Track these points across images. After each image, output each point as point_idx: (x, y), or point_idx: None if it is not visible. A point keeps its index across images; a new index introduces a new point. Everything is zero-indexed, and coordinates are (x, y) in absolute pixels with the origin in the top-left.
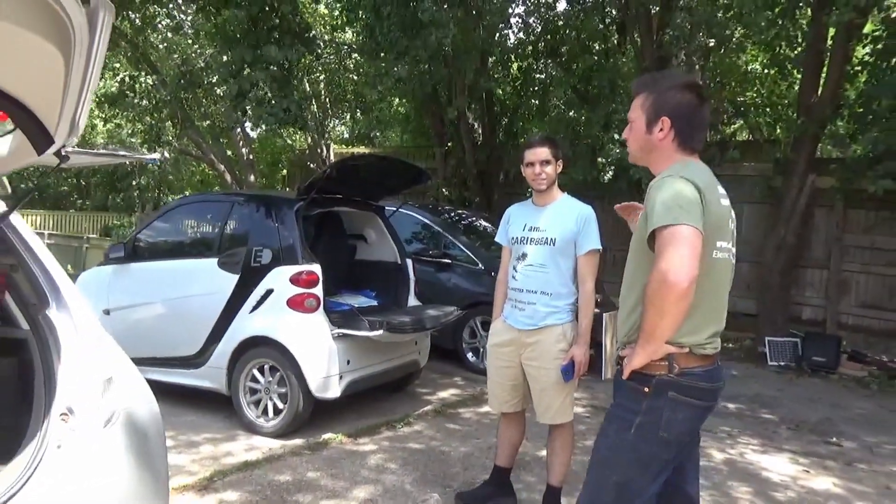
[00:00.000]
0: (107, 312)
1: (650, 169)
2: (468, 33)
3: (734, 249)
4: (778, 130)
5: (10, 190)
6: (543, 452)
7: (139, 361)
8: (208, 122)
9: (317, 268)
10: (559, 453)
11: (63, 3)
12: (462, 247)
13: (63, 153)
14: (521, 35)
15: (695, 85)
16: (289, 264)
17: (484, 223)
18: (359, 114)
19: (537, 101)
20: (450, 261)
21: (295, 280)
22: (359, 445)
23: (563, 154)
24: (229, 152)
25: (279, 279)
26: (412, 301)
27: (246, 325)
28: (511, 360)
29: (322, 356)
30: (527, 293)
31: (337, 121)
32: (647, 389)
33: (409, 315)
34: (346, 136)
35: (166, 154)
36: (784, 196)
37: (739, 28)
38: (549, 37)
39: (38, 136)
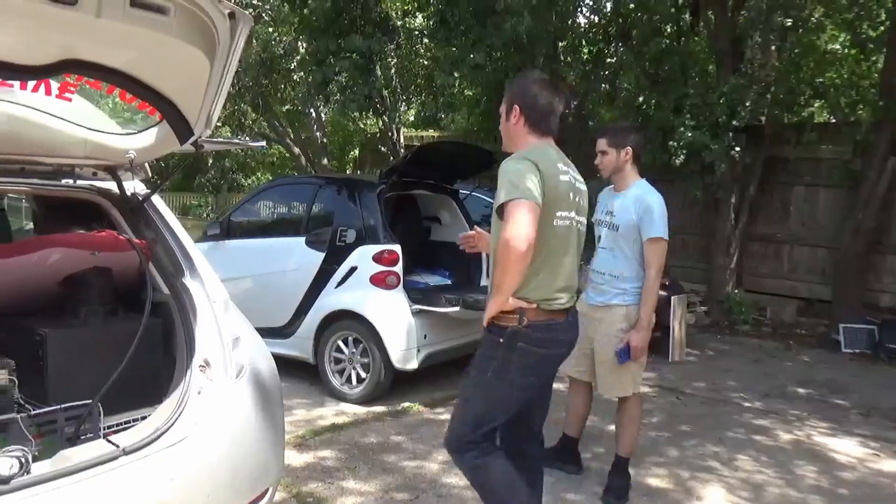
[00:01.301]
0: None
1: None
2: (541, 19)
3: (581, 219)
4: (859, 112)
5: (150, 174)
6: (613, 427)
7: None
8: (287, 106)
9: (397, 247)
10: (624, 425)
11: (215, 20)
12: None
13: (199, 143)
14: (592, 18)
15: (541, 79)
16: (371, 243)
17: None
18: (430, 98)
19: (607, 86)
20: None
21: (377, 258)
22: (436, 414)
23: (635, 140)
24: (304, 135)
25: (362, 257)
26: (484, 280)
27: (332, 299)
28: (584, 330)
29: (402, 330)
30: (597, 274)
31: (405, 105)
32: (501, 340)
33: (483, 293)
34: (412, 119)
35: (247, 138)
36: (863, 180)
37: (819, 7)
38: (619, 20)
39: (182, 128)
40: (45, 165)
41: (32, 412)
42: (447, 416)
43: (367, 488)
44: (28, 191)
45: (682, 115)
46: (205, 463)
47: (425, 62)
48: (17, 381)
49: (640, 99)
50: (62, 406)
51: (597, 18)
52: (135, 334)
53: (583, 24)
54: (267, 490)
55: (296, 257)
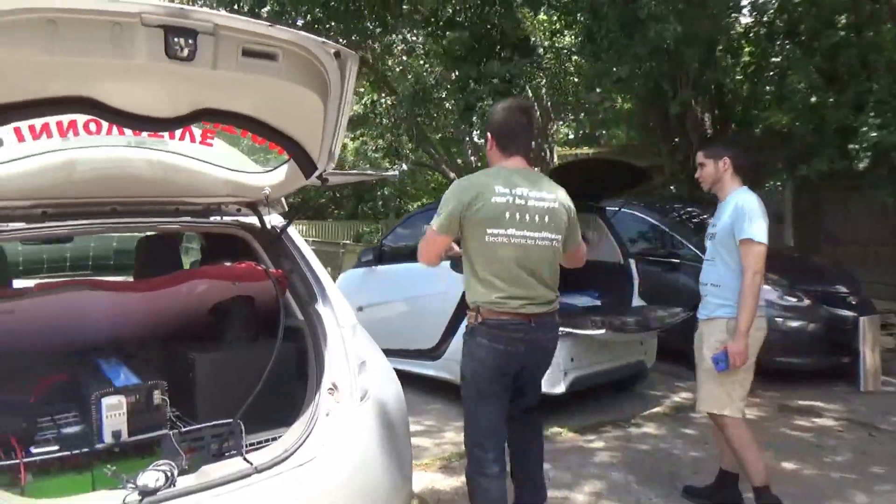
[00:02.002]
0: (360, 309)
1: None
2: (691, 24)
3: (533, 234)
4: None
5: (286, 207)
6: (784, 464)
7: (388, 353)
8: (440, 134)
9: None
10: (736, 452)
11: (323, 61)
12: (691, 246)
13: (323, 176)
14: (752, 19)
15: (508, 106)
16: None
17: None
18: (582, 115)
19: (773, 88)
20: (678, 260)
21: None
22: (586, 441)
23: (734, 151)
24: (459, 160)
25: None
26: (636, 301)
27: None
28: (698, 349)
29: None
30: (702, 286)
31: (560, 123)
32: (466, 338)
33: (633, 315)
34: (571, 137)
35: (404, 166)
36: None
37: None
38: (785, 16)
39: (306, 163)
40: (195, 205)
41: (183, 429)
42: (597, 444)
43: None
44: (182, 229)
45: (865, 114)
46: (331, 482)
47: (576, 79)
48: (168, 401)
49: (814, 99)
50: (209, 424)
51: (758, 16)
52: (290, 355)
53: (742, 25)
54: None
55: (443, 280)
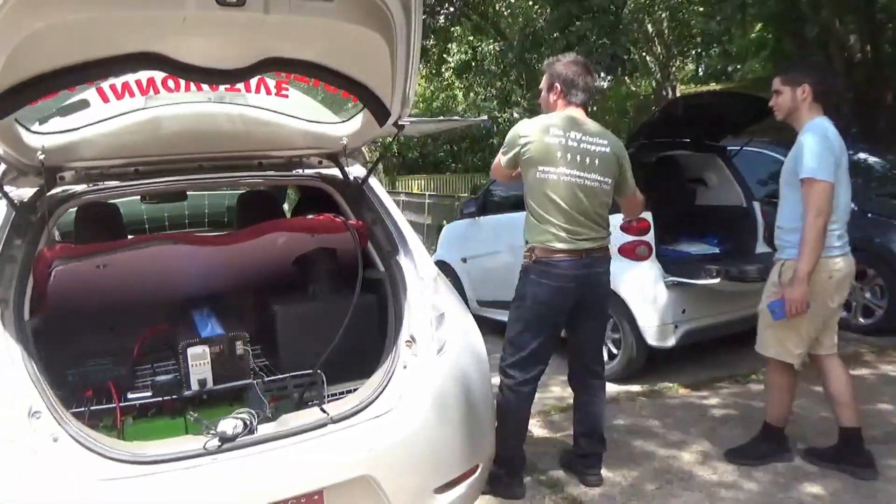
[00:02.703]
0: (464, 261)
1: None
2: None
3: (576, 172)
4: None
5: (368, 158)
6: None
7: (490, 304)
8: None
9: (648, 215)
10: (767, 390)
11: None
12: None
13: (399, 123)
14: None
15: (574, 60)
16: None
17: (865, 156)
18: (710, 49)
19: None
20: None
21: (626, 228)
22: (699, 398)
23: (816, 77)
24: None
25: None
26: (761, 248)
27: None
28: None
29: (655, 304)
30: (776, 228)
31: (685, 59)
32: (521, 275)
33: (755, 263)
34: (700, 73)
35: (515, 114)
36: None
37: None
38: None
39: (378, 110)
40: (277, 158)
41: (266, 379)
42: (711, 401)
43: (611, 475)
44: (265, 182)
45: None
46: (408, 435)
47: (700, 9)
48: (251, 351)
49: None
50: (291, 374)
51: None
52: (370, 306)
53: None
54: (477, 466)
55: None
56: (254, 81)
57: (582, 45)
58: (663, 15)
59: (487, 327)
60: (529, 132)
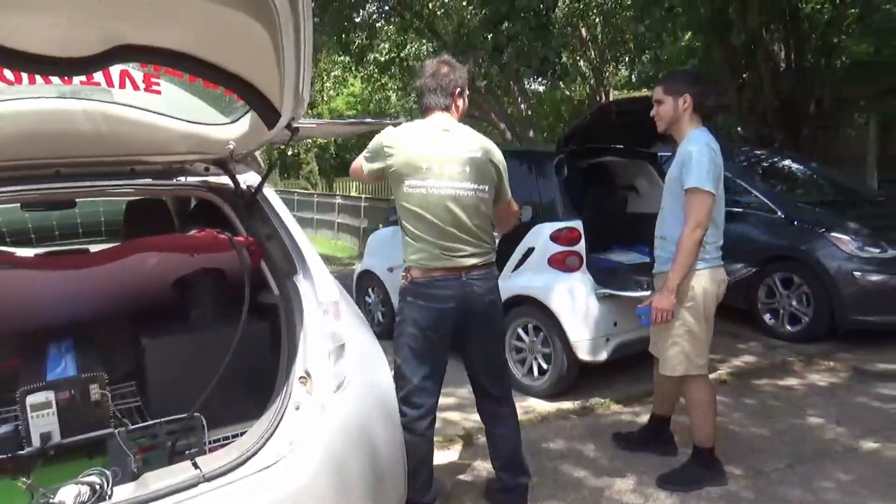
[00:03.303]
0: (390, 270)
1: None
2: None
3: (447, 183)
4: None
5: (262, 165)
6: (861, 442)
7: None
8: (485, 81)
9: (578, 224)
10: (688, 411)
11: None
12: (757, 192)
13: (293, 126)
14: None
15: (433, 63)
16: (549, 221)
17: (789, 164)
18: (643, 56)
19: (858, 10)
20: (742, 209)
21: (555, 237)
22: (631, 413)
23: (696, 87)
24: (509, 110)
25: (540, 237)
26: None
27: (509, 283)
28: None
29: (586, 317)
30: (656, 238)
31: (617, 65)
32: (399, 298)
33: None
34: (634, 80)
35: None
36: None
37: None
38: None
39: (266, 111)
40: (153, 164)
41: (130, 427)
42: (644, 417)
43: None
44: (139, 191)
45: None
46: (299, 489)
47: (630, 14)
48: (110, 395)
49: None
50: (163, 420)
51: None
52: (261, 336)
53: None
54: None
55: None
56: (116, 74)
57: (512, 46)
58: (597, 20)
59: None
60: (393, 143)
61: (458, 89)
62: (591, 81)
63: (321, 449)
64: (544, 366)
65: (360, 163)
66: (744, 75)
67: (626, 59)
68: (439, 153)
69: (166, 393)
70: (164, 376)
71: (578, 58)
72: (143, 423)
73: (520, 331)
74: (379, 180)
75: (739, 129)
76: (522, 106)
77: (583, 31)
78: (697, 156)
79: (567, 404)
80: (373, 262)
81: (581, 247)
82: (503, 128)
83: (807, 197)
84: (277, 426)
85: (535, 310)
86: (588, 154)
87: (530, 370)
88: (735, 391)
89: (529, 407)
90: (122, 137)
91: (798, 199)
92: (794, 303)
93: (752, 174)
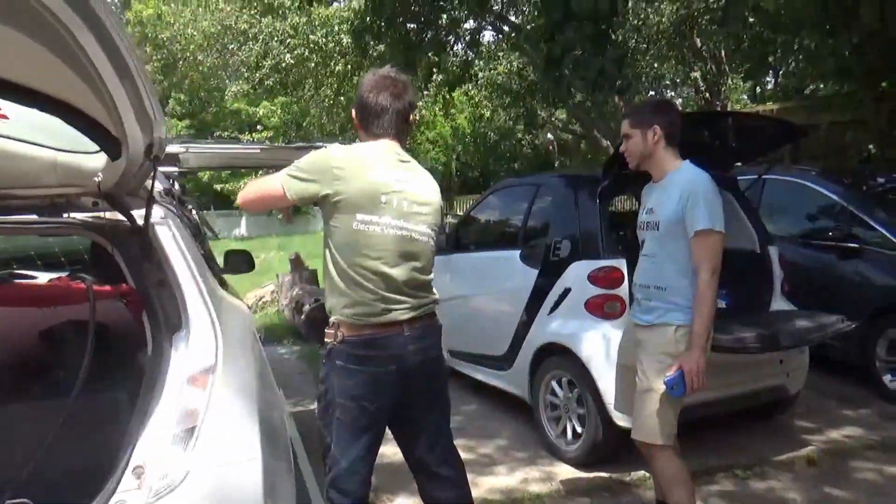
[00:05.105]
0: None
1: None
2: None
3: (402, 223)
4: None
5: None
6: None
7: (459, 354)
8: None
9: (622, 263)
10: (666, 487)
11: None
12: (876, 224)
13: (154, 155)
14: None
15: (379, 75)
16: (588, 258)
17: None
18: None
19: None
20: (857, 245)
21: (594, 278)
22: None
23: (666, 118)
24: (613, 124)
25: (577, 276)
26: (778, 304)
27: (544, 328)
28: (629, 359)
29: None
30: (641, 288)
31: (735, 78)
32: (324, 360)
33: (758, 326)
34: (758, 90)
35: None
36: None
37: None
38: None
39: (102, 138)
40: (29, 199)
41: None
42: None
43: None
44: (17, 230)
45: None
46: None
47: (751, 19)
48: None
49: None
50: None
51: None
52: (110, 408)
53: None
54: None
55: (513, 274)
56: None
57: (567, 56)
58: (713, 27)
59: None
60: (346, 165)
61: (413, 115)
62: (706, 94)
63: None
64: (578, 429)
65: (278, 184)
66: (882, 84)
67: (743, 67)
68: (401, 188)
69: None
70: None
71: (690, 69)
72: None
73: (554, 384)
74: (305, 203)
75: (872, 147)
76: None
77: (697, 41)
78: (705, 193)
79: (604, 474)
80: None
81: (624, 290)
82: (606, 145)
83: None
84: None
85: (568, 361)
86: (642, 179)
87: (564, 431)
88: (823, 472)
89: (552, 474)
90: None
91: None
92: None
93: (871, 203)
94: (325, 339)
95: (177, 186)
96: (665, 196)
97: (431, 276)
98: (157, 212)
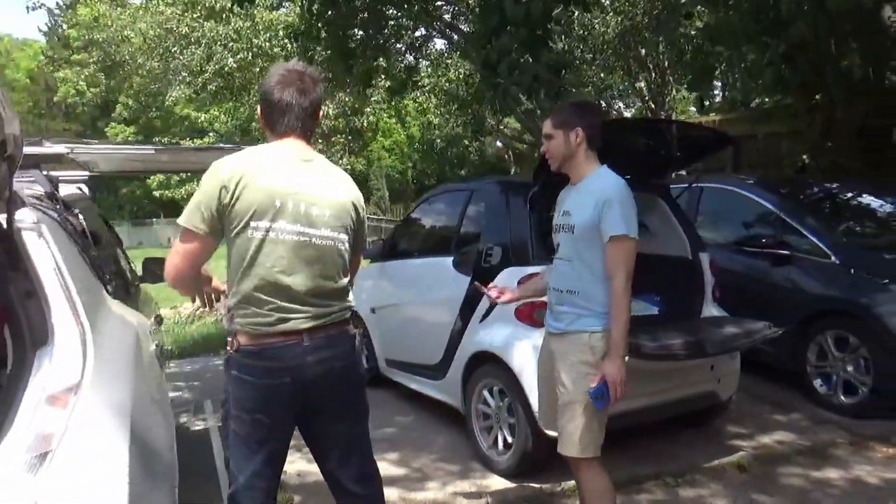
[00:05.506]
0: (373, 311)
1: None
2: None
3: (300, 228)
4: None
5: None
6: None
7: (395, 364)
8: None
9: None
10: (586, 496)
11: None
12: (807, 232)
13: (6, 153)
14: None
15: (283, 71)
16: (519, 264)
17: (863, 199)
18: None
19: None
20: (789, 252)
21: (524, 283)
22: None
23: (589, 120)
24: None
25: (508, 283)
26: (709, 310)
27: (476, 337)
28: (548, 370)
29: None
30: (554, 292)
31: (679, 88)
32: (224, 369)
33: (686, 333)
34: (706, 103)
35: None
36: None
37: None
38: None
39: None
40: None
41: None
42: None
43: None
44: None
45: None
46: None
47: (692, 32)
48: None
49: None
50: None
51: None
52: None
53: None
54: None
55: (446, 282)
56: None
57: (503, 61)
58: (658, 38)
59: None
60: (234, 174)
61: (320, 110)
62: (650, 104)
63: None
64: (510, 439)
65: (182, 229)
66: (816, 96)
67: (685, 79)
68: (297, 189)
69: None
70: None
71: (635, 80)
72: None
73: (486, 393)
74: (215, 237)
75: (805, 157)
76: None
77: (641, 51)
78: (621, 199)
79: (535, 484)
80: (356, 303)
81: None
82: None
83: (879, 240)
84: None
85: (499, 370)
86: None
87: (496, 441)
88: (752, 479)
89: (484, 486)
90: None
91: (864, 243)
92: (850, 368)
93: (802, 209)
94: (227, 348)
95: (85, 191)
96: (581, 200)
97: (343, 281)
98: (29, 216)
